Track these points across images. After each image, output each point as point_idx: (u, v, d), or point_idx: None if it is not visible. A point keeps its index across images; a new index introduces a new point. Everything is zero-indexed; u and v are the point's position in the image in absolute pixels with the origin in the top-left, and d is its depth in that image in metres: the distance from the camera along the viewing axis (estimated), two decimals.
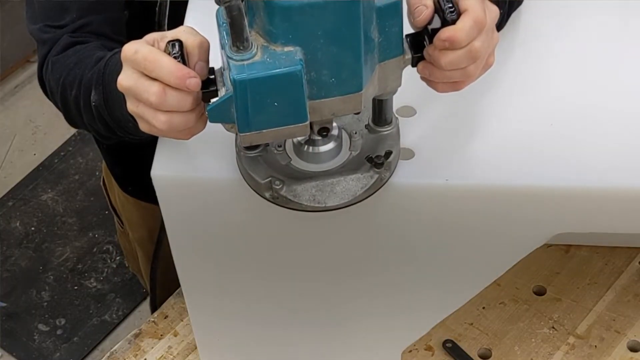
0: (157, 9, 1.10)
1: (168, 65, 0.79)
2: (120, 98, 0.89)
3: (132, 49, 0.81)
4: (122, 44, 0.84)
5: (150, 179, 0.97)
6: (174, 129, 0.82)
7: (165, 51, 0.80)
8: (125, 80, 0.82)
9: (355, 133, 0.93)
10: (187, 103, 0.80)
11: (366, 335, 1.17)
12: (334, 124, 0.90)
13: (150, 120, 0.82)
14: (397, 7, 0.80)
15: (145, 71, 0.80)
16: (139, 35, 0.85)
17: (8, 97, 2.87)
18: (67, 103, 1.03)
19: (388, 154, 0.90)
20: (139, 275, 1.68)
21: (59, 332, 2.30)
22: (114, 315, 2.33)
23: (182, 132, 0.83)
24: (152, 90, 0.80)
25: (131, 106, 0.84)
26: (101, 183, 1.57)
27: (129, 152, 1.05)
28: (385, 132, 0.93)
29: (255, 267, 1.07)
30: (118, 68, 0.89)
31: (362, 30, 0.77)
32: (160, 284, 1.45)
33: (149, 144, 0.98)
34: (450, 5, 0.81)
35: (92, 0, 1.08)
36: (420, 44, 0.84)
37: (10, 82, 2.89)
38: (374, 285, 1.08)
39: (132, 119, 0.90)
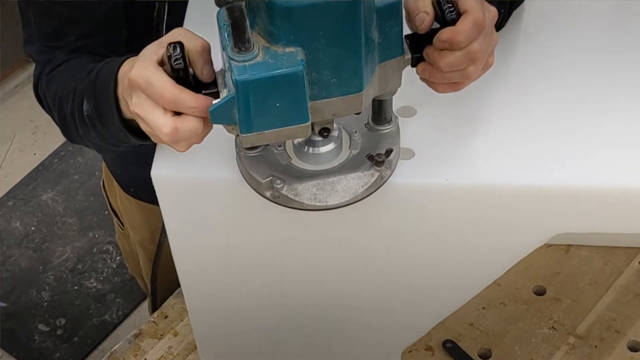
0: (155, 13, 1.10)
1: (190, 101, 0.79)
2: (112, 108, 0.90)
3: (142, 78, 0.80)
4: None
5: (152, 180, 0.97)
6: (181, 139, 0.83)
7: (166, 53, 0.80)
8: (138, 107, 0.82)
9: (355, 132, 0.93)
10: (199, 129, 0.81)
11: (366, 335, 1.17)
12: (335, 125, 0.90)
13: (158, 135, 0.83)
14: (397, 7, 0.80)
15: (164, 106, 0.80)
16: (138, 48, 0.84)
17: (8, 97, 2.87)
18: (65, 117, 1.03)
19: (389, 152, 0.91)
20: (139, 277, 1.67)
21: (59, 332, 2.31)
22: (114, 315, 2.34)
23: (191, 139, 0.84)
24: (165, 132, 0.80)
25: (143, 127, 0.84)
26: (101, 185, 1.57)
27: (131, 154, 1.05)
28: (386, 131, 0.93)
29: (255, 267, 1.07)
30: (109, 78, 0.89)
31: (363, 31, 0.77)
32: (161, 284, 1.45)
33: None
34: (450, 5, 0.81)
35: (91, 23, 1.09)
36: (419, 44, 0.84)
37: (10, 82, 2.89)
38: (374, 285, 1.09)
39: (123, 129, 0.90)
